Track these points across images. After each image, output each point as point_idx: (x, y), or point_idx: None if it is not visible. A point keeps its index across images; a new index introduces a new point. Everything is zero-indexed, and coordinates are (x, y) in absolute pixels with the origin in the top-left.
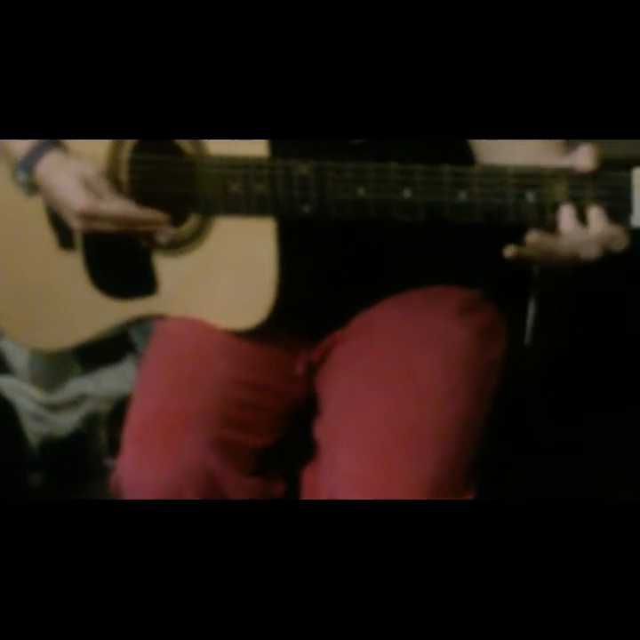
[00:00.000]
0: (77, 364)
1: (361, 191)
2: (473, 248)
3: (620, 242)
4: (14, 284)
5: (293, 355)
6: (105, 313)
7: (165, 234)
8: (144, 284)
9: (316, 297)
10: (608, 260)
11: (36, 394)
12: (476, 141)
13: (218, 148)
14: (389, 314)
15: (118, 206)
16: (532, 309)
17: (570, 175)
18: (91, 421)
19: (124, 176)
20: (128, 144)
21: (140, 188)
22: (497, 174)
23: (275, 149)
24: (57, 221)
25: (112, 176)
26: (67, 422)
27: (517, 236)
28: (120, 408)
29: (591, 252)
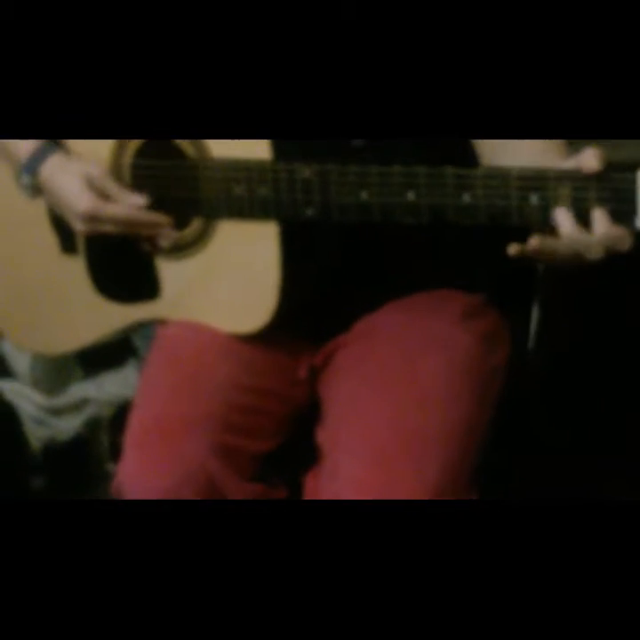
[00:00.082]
0: (79, 368)
1: (364, 194)
2: (476, 252)
3: (625, 242)
4: (16, 287)
5: (296, 359)
6: (107, 317)
7: (168, 238)
8: (146, 288)
9: (319, 301)
10: (612, 262)
11: (38, 398)
12: (479, 143)
13: (220, 150)
14: (392, 318)
15: (121, 208)
16: (535, 314)
17: (573, 177)
18: (92, 425)
19: (126, 180)
20: (130, 148)
21: (143, 192)
22: (500, 176)
23: (278, 152)
24: (60, 225)
25: (115, 180)
26: (68, 426)
27: (521, 239)
28: (122, 412)
29: (594, 252)
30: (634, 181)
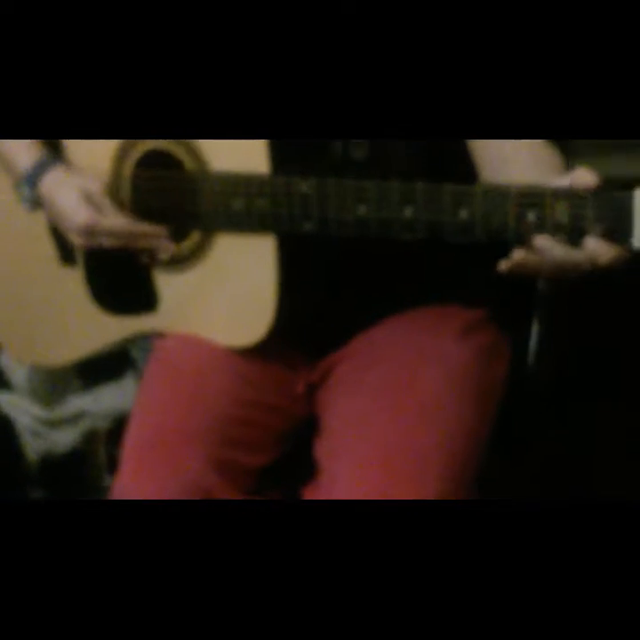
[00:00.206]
0: (77, 380)
1: (362, 209)
2: (476, 267)
3: (612, 259)
4: (14, 298)
5: (294, 373)
6: (105, 329)
7: (166, 250)
8: (144, 300)
9: (316, 315)
10: (611, 278)
11: (35, 410)
12: (477, 154)
13: (219, 163)
14: (391, 333)
15: (120, 221)
16: (535, 329)
17: (571, 195)
18: (90, 438)
19: (126, 192)
20: (130, 160)
21: (142, 204)
22: (498, 193)
23: (276, 166)
24: (58, 237)
25: (114, 192)
26: (66, 439)
27: None
28: (119, 425)
29: (584, 269)
30: (631, 200)
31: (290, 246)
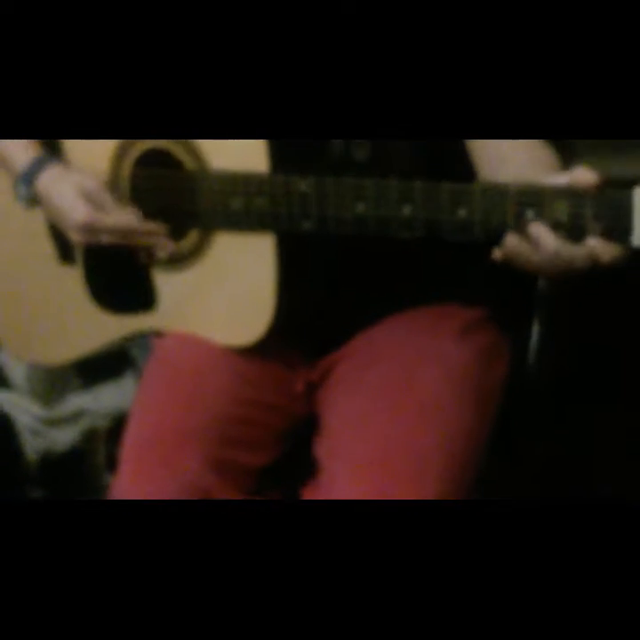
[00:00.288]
0: (76, 379)
1: (360, 207)
2: (476, 266)
3: (610, 256)
4: (13, 297)
5: (293, 372)
6: (103, 328)
7: (165, 249)
8: (143, 299)
9: (315, 314)
10: (611, 278)
11: (35, 409)
12: (475, 153)
13: (218, 162)
14: (391, 333)
15: (118, 218)
16: (535, 329)
17: (570, 193)
18: (89, 437)
19: (125, 191)
20: (129, 159)
21: (141, 203)
22: (497, 192)
23: (275, 165)
24: (57, 235)
25: (113, 191)
26: (65, 438)
27: None
28: (119, 424)
29: (577, 265)
30: (630, 198)
31: (289, 245)
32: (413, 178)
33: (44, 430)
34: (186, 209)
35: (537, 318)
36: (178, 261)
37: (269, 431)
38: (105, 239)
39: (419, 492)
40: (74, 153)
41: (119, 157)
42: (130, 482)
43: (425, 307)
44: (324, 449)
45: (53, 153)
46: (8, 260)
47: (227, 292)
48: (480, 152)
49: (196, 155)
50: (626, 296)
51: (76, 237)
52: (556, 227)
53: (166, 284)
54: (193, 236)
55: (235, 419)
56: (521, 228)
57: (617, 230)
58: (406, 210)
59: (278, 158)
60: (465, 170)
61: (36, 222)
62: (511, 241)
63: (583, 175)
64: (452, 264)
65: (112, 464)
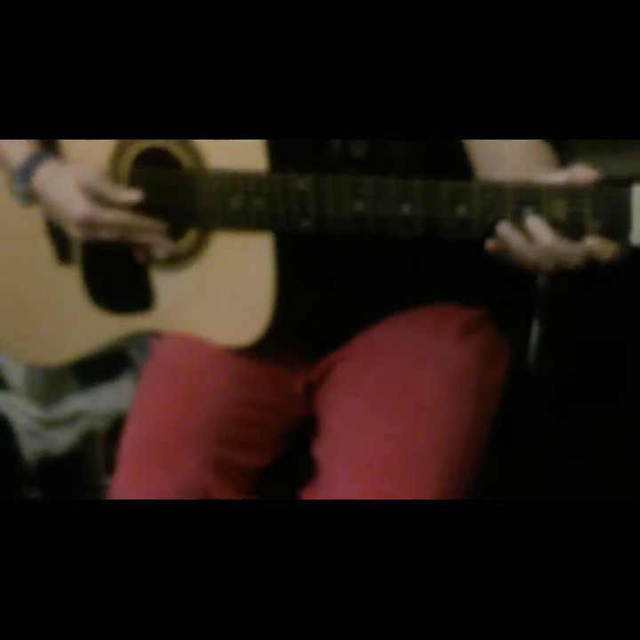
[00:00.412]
0: (74, 380)
1: (359, 205)
2: (475, 266)
3: (610, 256)
4: (10, 297)
5: (292, 373)
6: (101, 328)
7: (164, 248)
8: (141, 299)
9: (314, 314)
10: (611, 277)
11: (33, 410)
12: (474, 153)
13: (217, 161)
14: (390, 333)
15: (118, 213)
16: (535, 329)
17: (569, 191)
18: (87, 438)
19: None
20: (128, 158)
21: (140, 202)
22: (496, 190)
23: (273, 164)
24: (55, 234)
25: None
26: (63, 439)
27: None
28: (117, 425)
29: (573, 261)
30: (629, 196)
31: (287, 244)
32: (411, 175)
33: (41, 432)
34: (184, 208)
35: (536, 318)
36: (176, 261)
37: (268, 432)
38: (104, 234)
39: (418, 493)
40: (72, 152)
41: (118, 156)
42: (128, 482)
43: (424, 307)
44: (323, 449)
45: (50, 150)
46: (5, 260)
47: (225, 291)
48: (479, 149)
49: (194, 154)
50: (625, 295)
51: (74, 233)
52: (554, 225)
53: (164, 283)
54: (191, 236)
55: (233, 419)
56: (518, 224)
57: (616, 228)
58: (405, 208)
59: (277, 157)
60: (463, 167)
61: (33, 222)
62: (504, 230)
63: (582, 173)
64: (451, 264)
65: (110, 465)
